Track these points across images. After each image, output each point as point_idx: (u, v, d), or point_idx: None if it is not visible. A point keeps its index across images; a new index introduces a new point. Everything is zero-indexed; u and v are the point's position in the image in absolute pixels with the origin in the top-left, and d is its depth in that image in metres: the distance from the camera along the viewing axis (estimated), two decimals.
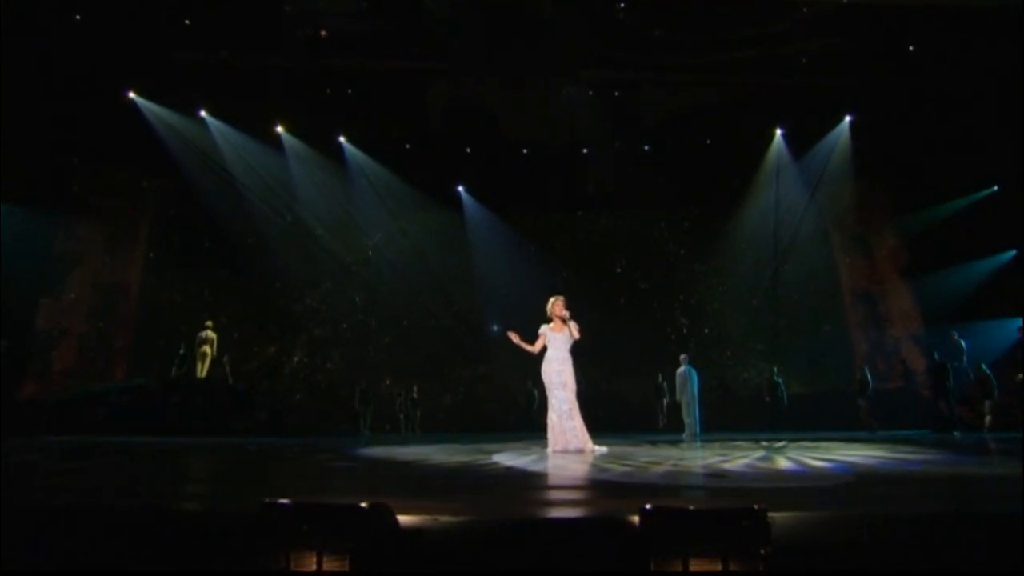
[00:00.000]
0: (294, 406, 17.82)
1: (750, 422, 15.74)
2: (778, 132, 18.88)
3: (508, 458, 6.44)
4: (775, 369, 15.99)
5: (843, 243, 19.71)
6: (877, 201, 19.20)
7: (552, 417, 8.01)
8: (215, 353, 16.31)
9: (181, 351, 16.24)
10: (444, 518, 2.62)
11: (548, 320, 8.39)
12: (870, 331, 18.81)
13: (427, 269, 20.57)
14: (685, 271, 20.50)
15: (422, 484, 4.72)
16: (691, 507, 2.17)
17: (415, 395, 17.95)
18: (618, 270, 20.91)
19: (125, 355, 17.96)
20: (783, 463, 5.61)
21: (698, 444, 10.35)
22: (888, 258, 19.03)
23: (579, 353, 18.51)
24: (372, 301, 20.40)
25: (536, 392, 14.99)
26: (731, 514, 2.10)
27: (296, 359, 19.71)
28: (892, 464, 5.49)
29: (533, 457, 6.69)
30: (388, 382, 19.64)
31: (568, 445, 7.76)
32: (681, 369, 14.11)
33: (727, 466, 5.32)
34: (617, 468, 5.44)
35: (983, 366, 13.74)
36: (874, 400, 15.12)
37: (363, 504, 2.30)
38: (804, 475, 4.71)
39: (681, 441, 11.44)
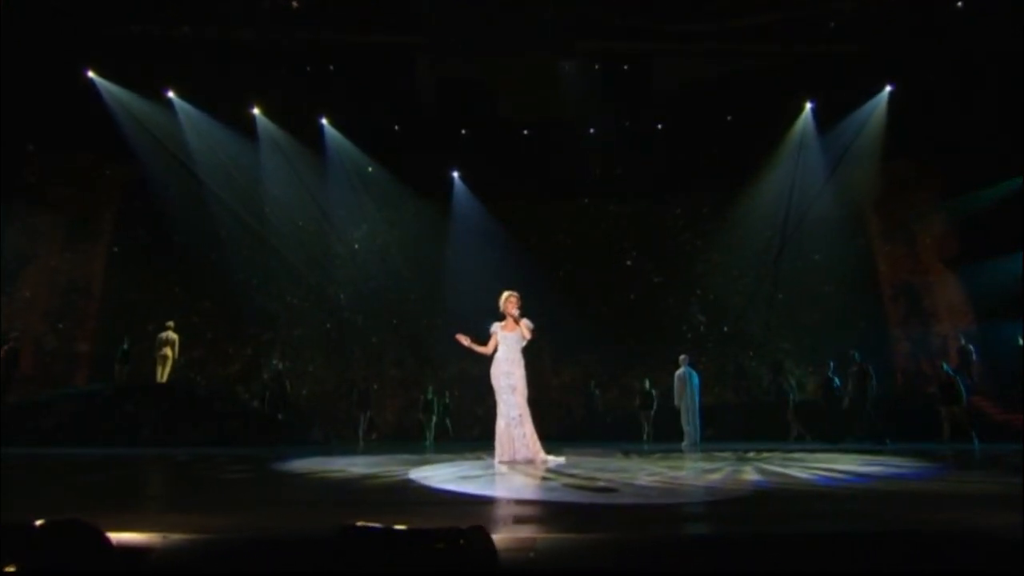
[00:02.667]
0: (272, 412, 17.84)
1: (776, 431, 15.43)
2: (808, 106, 18.45)
3: (425, 471, 6.31)
4: (831, 365, 15.44)
5: (882, 229, 19.16)
6: (922, 182, 18.59)
7: (500, 424, 7.84)
8: (177, 355, 16.35)
9: (124, 346, 16.29)
10: (175, 536, 2.55)
11: (501, 317, 8.26)
12: (912, 328, 18.27)
13: (417, 263, 20.57)
14: (703, 263, 20.19)
15: (252, 500, 4.72)
16: (399, 527, 2.06)
17: (430, 395, 17.95)
18: (628, 263, 20.70)
19: (87, 359, 18.09)
20: (713, 477, 5.38)
21: (698, 453, 10.13)
22: (934, 246, 18.43)
23: (588, 352, 18.37)
24: (358, 298, 20.47)
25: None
26: (428, 535, 2.00)
27: (275, 361, 19.81)
28: (828, 480, 5.24)
29: (456, 470, 6.56)
30: (376, 386, 19.72)
31: (516, 455, 7.60)
32: (680, 371, 13.79)
33: (642, 481, 5.11)
34: (520, 481, 5.28)
35: (946, 367, 13.14)
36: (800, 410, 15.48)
37: (39, 522, 2.24)
38: (698, 491, 4.53)
39: (679, 451, 11.15)
